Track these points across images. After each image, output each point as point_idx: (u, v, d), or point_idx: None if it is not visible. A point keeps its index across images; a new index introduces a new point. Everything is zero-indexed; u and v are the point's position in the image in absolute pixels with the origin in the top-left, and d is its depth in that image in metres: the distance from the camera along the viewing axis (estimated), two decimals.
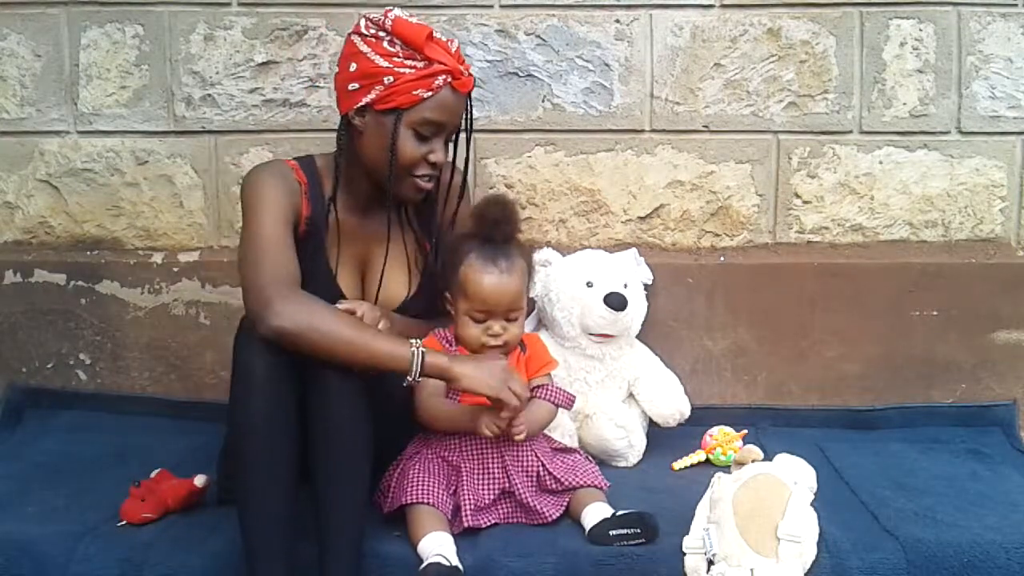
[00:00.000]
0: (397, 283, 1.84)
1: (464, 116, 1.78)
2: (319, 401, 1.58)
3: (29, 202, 2.40)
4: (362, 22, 1.73)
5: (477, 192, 2.35)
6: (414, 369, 1.59)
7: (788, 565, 1.52)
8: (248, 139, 2.37)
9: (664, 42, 2.34)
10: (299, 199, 1.75)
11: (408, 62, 1.68)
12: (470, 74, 1.75)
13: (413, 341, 1.62)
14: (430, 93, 1.69)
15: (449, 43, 1.74)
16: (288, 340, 1.55)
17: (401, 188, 1.76)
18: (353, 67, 1.71)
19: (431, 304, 1.86)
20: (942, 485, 1.93)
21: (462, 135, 1.82)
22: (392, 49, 1.68)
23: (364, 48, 1.70)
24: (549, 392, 1.80)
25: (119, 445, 2.13)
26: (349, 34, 1.75)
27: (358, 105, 1.71)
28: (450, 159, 1.82)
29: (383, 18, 1.70)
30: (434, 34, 1.72)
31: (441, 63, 1.69)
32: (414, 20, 1.73)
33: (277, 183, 1.72)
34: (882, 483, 1.94)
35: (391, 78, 1.67)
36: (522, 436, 1.68)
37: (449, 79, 1.70)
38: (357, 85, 1.71)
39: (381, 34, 1.69)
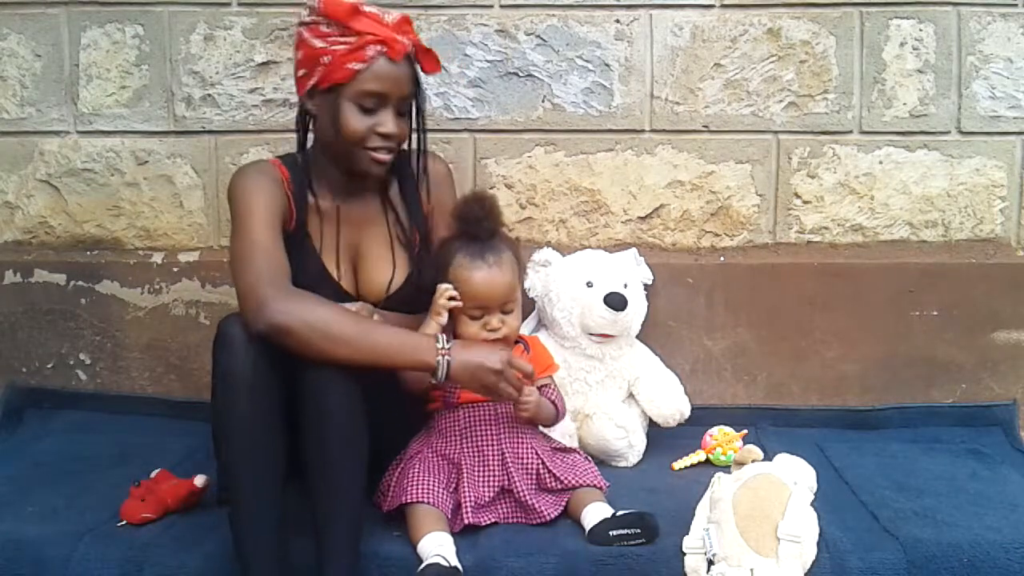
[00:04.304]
0: (383, 266, 1.85)
1: (413, 85, 1.78)
2: (311, 397, 1.57)
3: (29, 202, 2.40)
4: (304, 12, 1.76)
5: None
6: (440, 372, 1.62)
7: (788, 565, 1.52)
8: (248, 139, 2.37)
9: (664, 42, 2.34)
10: (285, 196, 1.77)
11: (341, 39, 1.71)
12: (409, 40, 1.75)
13: (440, 342, 1.63)
14: (363, 64, 1.70)
15: (384, 13, 1.75)
16: (285, 336, 1.55)
17: (359, 163, 1.77)
18: (299, 55, 1.76)
19: (419, 289, 1.85)
20: (942, 485, 1.92)
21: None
22: (327, 30, 1.71)
23: (306, 35, 1.74)
24: (553, 394, 1.80)
25: (119, 445, 2.13)
26: (296, 26, 1.78)
27: (307, 89, 1.76)
28: (412, 132, 1.83)
29: (316, 3, 1.73)
30: (365, 7, 1.72)
31: (371, 34, 1.70)
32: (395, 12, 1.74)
33: (264, 182, 1.74)
34: (882, 483, 1.93)
35: (328, 57, 1.71)
36: (527, 412, 1.71)
37: (382, 48, 1.71)
38: (304, 71, 1.75)
39: (318, 19, 1.72)
